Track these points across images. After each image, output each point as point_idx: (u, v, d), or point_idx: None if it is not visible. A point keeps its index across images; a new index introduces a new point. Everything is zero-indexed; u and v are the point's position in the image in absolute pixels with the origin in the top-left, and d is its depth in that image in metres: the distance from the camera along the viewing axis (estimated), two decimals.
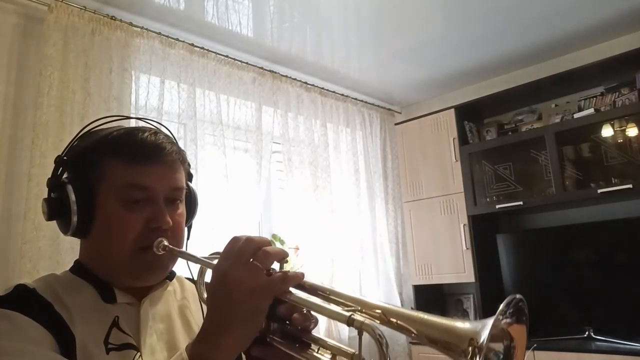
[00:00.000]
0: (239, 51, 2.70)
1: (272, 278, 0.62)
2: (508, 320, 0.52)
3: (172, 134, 0.87)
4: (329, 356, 0.64)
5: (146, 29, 2.26)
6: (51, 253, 1.80)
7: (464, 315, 3.31)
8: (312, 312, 0.65)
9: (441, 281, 3.24)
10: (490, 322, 0.48)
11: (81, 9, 2.05)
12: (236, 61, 2.63)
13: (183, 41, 2.39)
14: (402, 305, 3.30)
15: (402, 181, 3.47)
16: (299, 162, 2.87)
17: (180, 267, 0.85)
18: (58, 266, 1.76)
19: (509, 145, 3.08)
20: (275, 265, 0.65)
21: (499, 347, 0.52)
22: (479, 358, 0.47)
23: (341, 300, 0.62)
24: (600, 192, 2.59)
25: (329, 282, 2.83)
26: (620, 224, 2.69)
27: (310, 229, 2.84)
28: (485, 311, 2.91)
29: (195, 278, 0.82)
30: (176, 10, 2.31)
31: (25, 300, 0.69)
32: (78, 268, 0.79)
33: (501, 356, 0.52)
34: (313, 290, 0.64)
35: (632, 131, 2.71)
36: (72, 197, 0.74)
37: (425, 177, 3.33)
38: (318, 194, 2.90)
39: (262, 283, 0.61)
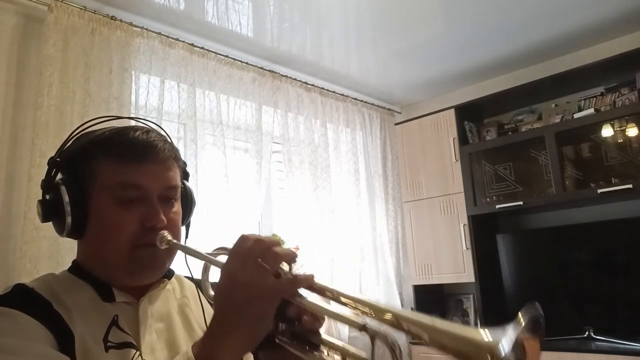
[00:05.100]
0: (239, 51, 2.70)
1: (280, 281, 0.60)
2: (525, 334, 0.50)
3: (165, 132, 0.87)
4: (339, 358, 0.63)
5: (146, 29, 2.26)
6: (51, 253, 1.80)
7: (464, 315, 3.31)
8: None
9: (441, 281, 3.23)
10: (513, 333, 0.47)
11: (81, 9, 2.05)
12: (236, 61, 2.63)
13: (183, 41, 2.39)
14: (402, 305, 3.30)
15: (402, 181, 3.47)
16: (299, 162, 2.86)
17: (180, 268, 0.85)
18: (58, 266, 1.76)
19: (509, 145, 3.08)
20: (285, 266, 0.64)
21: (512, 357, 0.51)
22: None
23: (351, 304, 0.60)
24: (600, 192, 2.59)
25: (329, 282, 2.83)
26: (620, 224, 2.68)
27: (310, 229, 2.83)
28: (485, 311, 2.91)
29: (194, 276, 0.82)
30: (176, 10, 2.31)
31: (24, 298, 0.69)
32: (76, 268, 0.79)
33: None
34: (322, 292, 0.63)
35: (632, 131, 2.71)
36: (66, 198, 0.74)
37: (425, 177, 3.33)
38: (318, 194, 2.90)
39: (269, 286, 0.60)
